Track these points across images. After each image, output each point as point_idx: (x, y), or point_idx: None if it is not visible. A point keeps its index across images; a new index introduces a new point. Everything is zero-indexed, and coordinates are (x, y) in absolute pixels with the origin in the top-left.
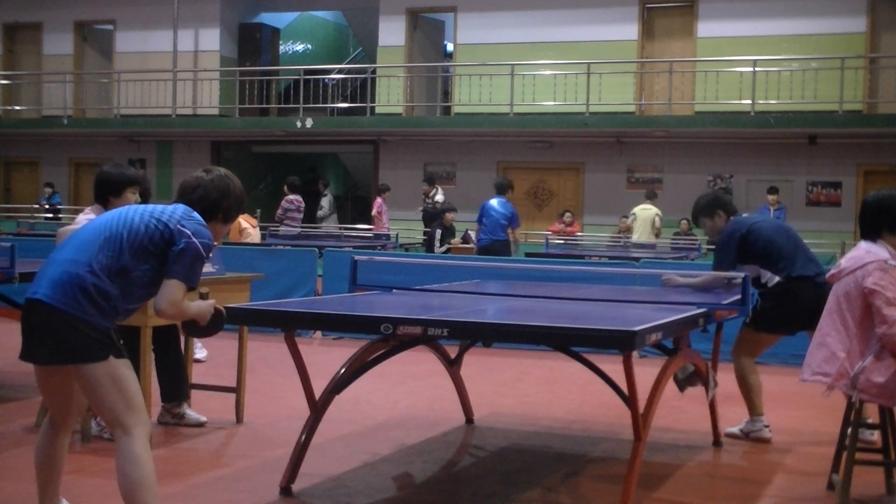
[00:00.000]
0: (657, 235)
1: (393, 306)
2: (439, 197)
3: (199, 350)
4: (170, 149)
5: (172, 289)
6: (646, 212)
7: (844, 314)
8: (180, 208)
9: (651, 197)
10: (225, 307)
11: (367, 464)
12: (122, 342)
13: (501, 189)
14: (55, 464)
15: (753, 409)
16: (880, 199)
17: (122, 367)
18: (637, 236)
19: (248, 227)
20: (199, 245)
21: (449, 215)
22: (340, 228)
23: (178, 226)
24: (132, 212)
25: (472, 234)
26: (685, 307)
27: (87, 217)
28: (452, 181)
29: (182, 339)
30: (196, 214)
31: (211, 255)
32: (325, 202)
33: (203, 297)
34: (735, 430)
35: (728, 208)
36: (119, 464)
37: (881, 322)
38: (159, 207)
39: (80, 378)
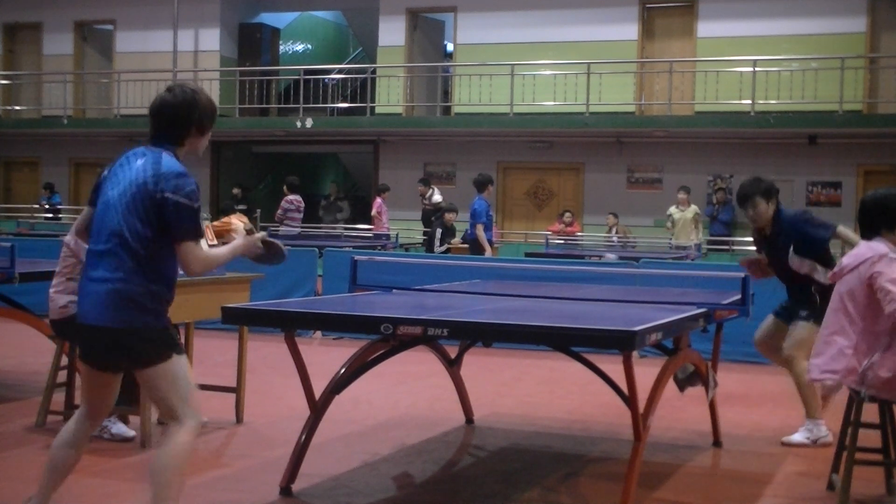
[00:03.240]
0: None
1: (393, 306)
2: (437, 197)
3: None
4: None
5: (185, 252)
6: (683, 212)
7: (849, 311)
8: (152, 167)
9: (686, 192)
10: (225, 307)
11: (367, 464)
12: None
13: (477, 187)
14: (75, 457)
15: (815, 412)
16: (878, 198)
17: (181, 361)
18: (676, 238)
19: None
20: (183, 200)
21: (450, 215)
22: (340, 228)
23: (162, 195)
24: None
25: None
26: (685, 307)
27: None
28: (452, 181)
29: (182, 339)
30: (167, 165)
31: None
32: (346, 205)
33: (249, 233)
34: (800, 438)
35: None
36: (163, 445)
37: (889, 301)
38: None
39: (142, 377)
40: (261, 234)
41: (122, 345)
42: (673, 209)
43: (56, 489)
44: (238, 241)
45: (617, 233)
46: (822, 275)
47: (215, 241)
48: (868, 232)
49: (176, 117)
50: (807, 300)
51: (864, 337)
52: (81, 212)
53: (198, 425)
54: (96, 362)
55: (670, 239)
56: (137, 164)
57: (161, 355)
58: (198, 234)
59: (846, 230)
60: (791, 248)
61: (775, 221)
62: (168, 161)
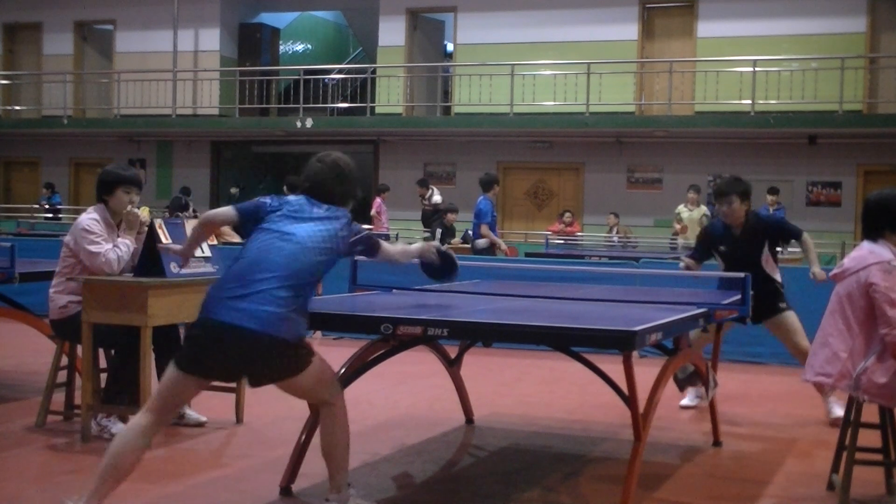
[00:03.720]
0: None
1: (393, 306)
2: (437, 198)
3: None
4: (170, 149)
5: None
6: (691, 211)
7: (847, 314)
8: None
9: (696, 192)
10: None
11: (367, 464)
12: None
13: (482, 186)
14: (139, 457)
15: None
16: (882, 198)
17: (317, 359)
18: (686, 238)
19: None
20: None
21: (451, 216)
22: None
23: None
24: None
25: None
26: (685, 307)
27: (90, 217)
28: (452, 181)
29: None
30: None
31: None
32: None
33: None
34: (839, 411)
35: None
36: (323, 428)
37: (884, 324)
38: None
39: (291, 384)
40: (434, 244)
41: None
42: (682, 208)
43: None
44: (415, 245)
45: (618, 233)
46: (773, 269)
47: (215, 241)
48: (871, 233)
49: (343, 193)
50: (776, 291)
51: (860, 340)
52: (221, 210)
53: (342, 396)
54: (216, 370)
55: (674, 238)
56: (320, 213)
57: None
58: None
59: (811, 242)
60: (766, 245)
61: (747, 220)
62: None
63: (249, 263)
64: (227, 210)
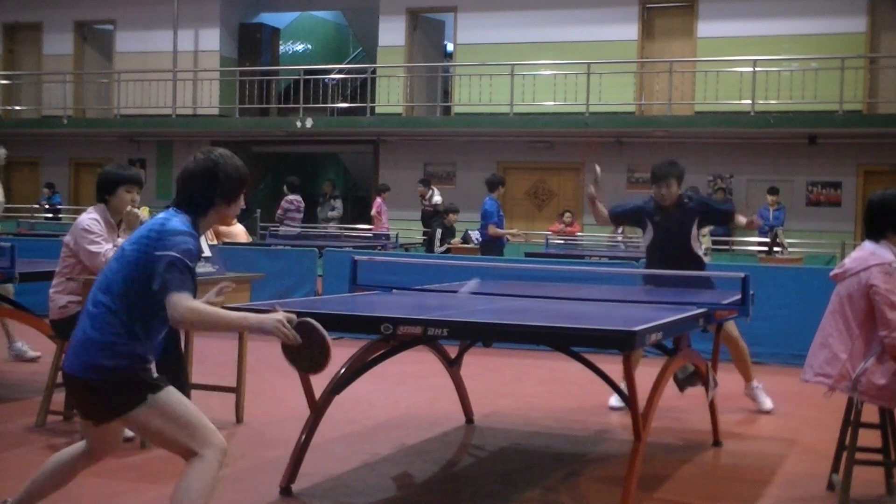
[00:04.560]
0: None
1: (393, 306)
2: (437, 198)
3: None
4: (170, 149)
5: (171, 302)
6: None
7: (847, 315)
8: (156, 223)
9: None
10: (225, 307)
11: (367, 464)
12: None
13: (488, 186)
14: (65, 482)
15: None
16: (885, 199)
17: (163, 397)
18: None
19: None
20: (177, 254)
21: (451, 216)
22: (340, 228)
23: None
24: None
25: (472, 234)
26: (685, 307)
27: (90, 217)
28: (452, 181)
29: (182, 339)
30: (171, 223)
31: (199, 255)
32: (339, 203)
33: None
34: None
35: None
36: (181, 478)
37: (884, 326)
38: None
39: (129, 424)
40: (287, 315)
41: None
42: None
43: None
44: (254, 317)
45: (623, 232)
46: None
47: (215, 241)
48: (873, 234)
49: (196, 189)
50: (699, 269)
51: (860, 341)
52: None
53: (221, 450)
54: (87, 413)
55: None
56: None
57: (132, 400)
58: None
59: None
60: (695, 223)
61: (679, 201)
62: (173, 222)
63: None
64: None
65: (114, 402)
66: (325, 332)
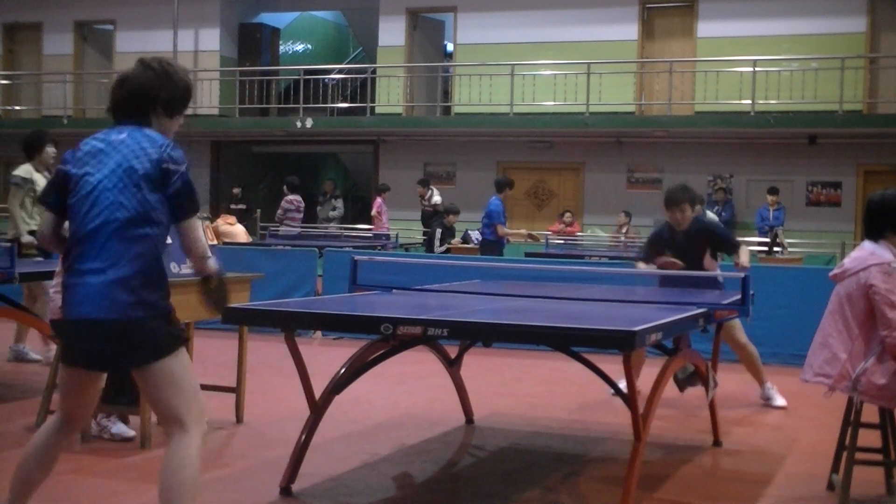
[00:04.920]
0: None
1: (393, 306)
2: (436, 198)
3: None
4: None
5: (195, 229)
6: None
7: (847, 315)
8: (142, 139)
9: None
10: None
11: (367, 464)
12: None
13: (496, 187)
14: (51, 464)
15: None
16: (885, 198)
17: (185, 356)
18: None
19: (226, 227)
20: (185, 172)
21: (452, 217)
22: (340, 228)
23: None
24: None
25: (472, 234)
26: (685, 307)
27: None
28: (452, 181)
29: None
30: (157, 137)
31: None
32: (340, 203)
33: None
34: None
35: None
36: (167, 461)
37: (884, 326)
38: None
39: (150, 374)
40: (217, 269)
41: (126, 337)
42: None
43: (37, 485)
44: (213, 260)
45: (626, 232)
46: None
47: (215, 241)
48: (873, 234)
49: (143, 95)
50: None
51: (860, 341)
52: (43, 219)
53: (205, 430)
54: (90, 360)
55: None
56: (121, 138)
57: (163, 349)
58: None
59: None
60: (708, 250)
61: (693, 224)
62: (158, 135)
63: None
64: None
65: (155, 342)
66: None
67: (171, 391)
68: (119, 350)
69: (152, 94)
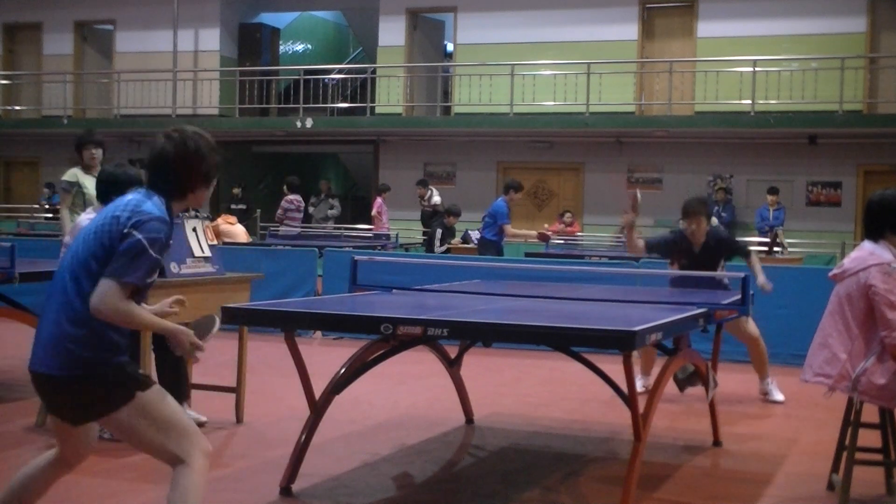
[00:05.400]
0: None
1: (393, 306)
2: (436, 199)
3: None
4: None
5: (102, 287)
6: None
7: (846, 315)
8: (130, 203)
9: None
10: (225, 307)
11: (367, 464)
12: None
13: (504, 188)
14: (43, 492)
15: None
16: (885, 198)
17: (151, 396)
18: None
19: (226, 227)
20: (143, 239)
21: (452, 218)
22: (340, 228)
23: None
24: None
25: (472, 234)
26: (685, 307)
27: (88, 217)
28: (452, 181)
29: None
30: (146, 205)
31: (167, 244)
32: (336, 202)
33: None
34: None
35: None
36: (170, 494)
37: (884, 327)
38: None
39: (111, 425)
40: (181, 329)
41: (73, 394)
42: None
43: None
44: (166, 324)
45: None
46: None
47: (215, 241)
48: (873, 234)
49: (177, 174)
50: None
51: (860, 341)
52: None
53: (206, 453)
54: (55, 412)
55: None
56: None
57: (119, 398)
58: (126, 277)
59: (756, 259)
60: (721, 259)
61: (711, 236)
62: (147, 204)
63: None
64: None
65: (99, 399)
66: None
67: (150, 432)
68: (72, 404)
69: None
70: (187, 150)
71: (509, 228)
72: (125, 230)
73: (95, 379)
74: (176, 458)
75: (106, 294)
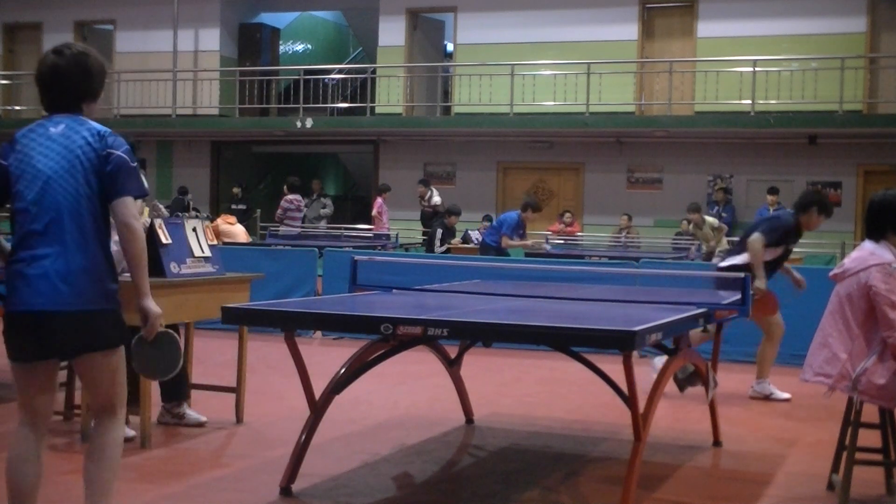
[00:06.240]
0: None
1: (393, 306)
2: (436, 199)
3: None
4: (170, 149)
5: (124, 205)
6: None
7: (847, 315)
8: (86, 129)
9: (696, 210)
10: (225, 307)
11: (367, 464)
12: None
13: (522, 205)
14: (40, 469)
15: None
16: (886, 199)
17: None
18: (719, 245)
19: (226, 227)
20: (124, 154)
21: (453, 218)
22: (340, 228)
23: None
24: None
25: (472, 234)
26: (685, 307)
27: None
28: (452, 181)
29: (182, 338)
30: (100, 126)
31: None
32: (328, 202)
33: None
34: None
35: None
36: (101, 445)
37: (886, 327)
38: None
39: (103, 361)
40: (158, 326)
41: (85, 327)
42: (708, 223)
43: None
44: (150, 302)
45: (628, 234)
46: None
47: (216, 241)
48: (874, 233)
49: (71, 85)
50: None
51: (860, 341)
52: None
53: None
54: (41, 352)
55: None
56: (61, 130)
57: (119, 339)
58: (141, 190)
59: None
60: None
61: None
62: (94, 122)
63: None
64: None
65: (115, 331)
66: (180, 348)
67: (116, 378)
68: (79, 338)
69: (80, 86)
70: (76, 64)
71: (507, 240)
72: (103, 153)
73: (118, 312)
74: (111, 408)
75: (132, 210)
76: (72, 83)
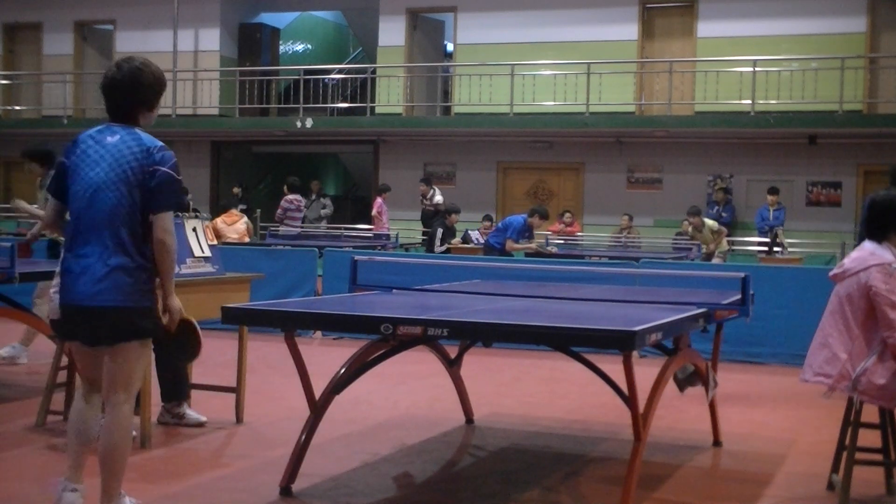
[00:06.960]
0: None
1: (393, 306)
2: (438, 198)
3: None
4: (170, 149)
5: (163, 221)
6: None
7: (847, 315)
8: (135, 142)
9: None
10: (225, 307)
11: (367, 464)
12: None
13: (530, 211)
14: (95, 425)
15: None
16: (889, 199)
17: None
18: (719, 247)
19: (222, 226)
20: (170, 171)
21: (453, 216)
22: (340, 228)
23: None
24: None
25: (472, 234)
26: (685, 307)
27: None
28: (452, 181)
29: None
30: (149, 137)
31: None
32: (328, 202)
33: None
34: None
35: None
36: (114, 425)
37: (886, 327)
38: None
39: (129, 352)
40: (177, 314)
41: (122, 321)
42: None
43: (86, 460)
44: (175, 299)
45: (628, 234)
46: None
47: (215, 241)
48: (875, 234)
49: (126, 97)
50: None
51: (860, 341)
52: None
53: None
54: (88, 340)
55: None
56: (115, 141)
57: (153, 331)
58: (180, 206)
59: None
60: None
61: None
62: (147, 136)
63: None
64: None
65: (148, 323)
66: (199, 334)
67: (140, 364)
68: (117, 329)
69: (131, 98)
70: (132, 77)
71: (511, 243)
72: (152, 167)
73: (151, 308)
74: (122, 396)
75: (167, 226)
76: (124, 95)
